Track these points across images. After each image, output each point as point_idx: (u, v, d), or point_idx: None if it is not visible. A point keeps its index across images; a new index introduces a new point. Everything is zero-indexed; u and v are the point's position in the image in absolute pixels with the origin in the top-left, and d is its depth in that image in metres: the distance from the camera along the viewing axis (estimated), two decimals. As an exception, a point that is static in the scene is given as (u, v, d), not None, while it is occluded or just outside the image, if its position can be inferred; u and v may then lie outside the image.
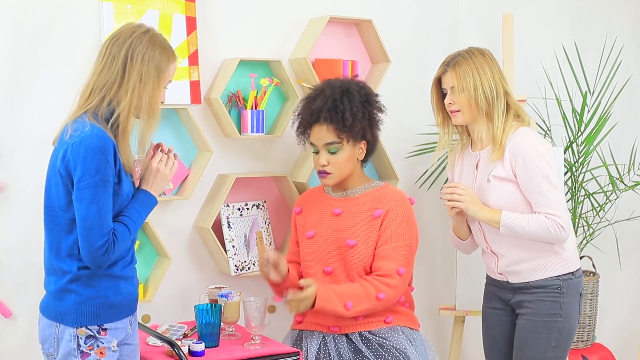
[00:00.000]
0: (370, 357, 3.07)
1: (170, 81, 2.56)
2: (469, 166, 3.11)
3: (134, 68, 2.45)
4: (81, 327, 2.44)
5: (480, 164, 3.06)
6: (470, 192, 3.02)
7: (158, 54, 2.48)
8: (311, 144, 3.19)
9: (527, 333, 3.03)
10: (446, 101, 3.04)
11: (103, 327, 2.47)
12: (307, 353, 3.13)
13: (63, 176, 2.41)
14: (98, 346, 2.46)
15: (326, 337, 3.17)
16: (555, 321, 3.00)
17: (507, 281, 3.08)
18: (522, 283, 3.04)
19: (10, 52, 3.05)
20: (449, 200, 3.04)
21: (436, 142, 3.82)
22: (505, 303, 3.13)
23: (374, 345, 3.10)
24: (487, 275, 3.23)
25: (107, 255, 2.41)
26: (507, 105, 3.01)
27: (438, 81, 3.08)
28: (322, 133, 3.13)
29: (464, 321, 3.82)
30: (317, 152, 3.18)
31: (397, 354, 3.06)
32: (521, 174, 2.94)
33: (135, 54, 2.45)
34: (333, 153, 3.13)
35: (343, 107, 3.10)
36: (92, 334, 2.45)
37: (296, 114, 3.25)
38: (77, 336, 2.44)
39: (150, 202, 2.58)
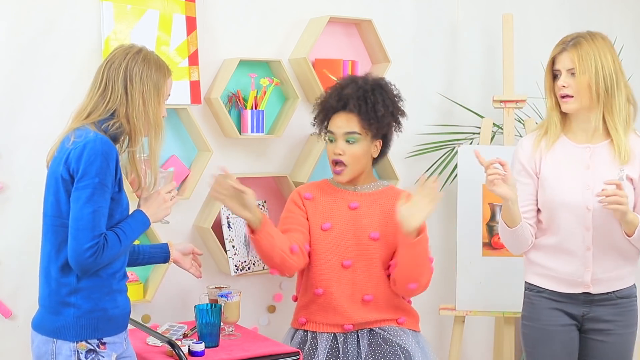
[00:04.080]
0: (370, 351, 3.07)
1: (169, 95, 2.60)
2: (572, 159, 2.83)
3: (135, 89, 2.48)
4: (81, 341, 2.42)
5: (597, 159, 2.80)
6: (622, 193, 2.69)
7: (155, 72, 2.52)
8: (329, 132, 3.16)
9: (622, 348, 2.84)
10: (559, 83, 2.76)
11: (102, 341, 2.45)
12: (312, 355, 3.10)
13: (66, 180, 2.39)
14: None
15: (338, 337, 3.14)
16: (635, 331, 2.86)
17: (588, 292, 2.83)
18: (605, 294, 2.83)
19: (10, 52, 3.05)
20: (611, 203, 2.66)
21: (436, 142, 3.85)
22: (574, 318, 2.88)
23: (377, 341, 3.11)
24: (545, 289, 2.91)
25: (93, 259, 2.36)
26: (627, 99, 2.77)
27: (552, 63, 2.81)
28: (345, 122, 3.11)
29: (464, 321, 3.82)
30: (332, 141, 3.15)
31: (399, 351, 3.06)
32: None
33: (134, 74, 2.49)
34: (350, 143, 3.11)
35: (374, 99, 3.10)
36: (92, 348, 2.43)
37: (319, 100, 3.22)
38: (78, 351, 2.41)
39: (145, 223, 2.55)
